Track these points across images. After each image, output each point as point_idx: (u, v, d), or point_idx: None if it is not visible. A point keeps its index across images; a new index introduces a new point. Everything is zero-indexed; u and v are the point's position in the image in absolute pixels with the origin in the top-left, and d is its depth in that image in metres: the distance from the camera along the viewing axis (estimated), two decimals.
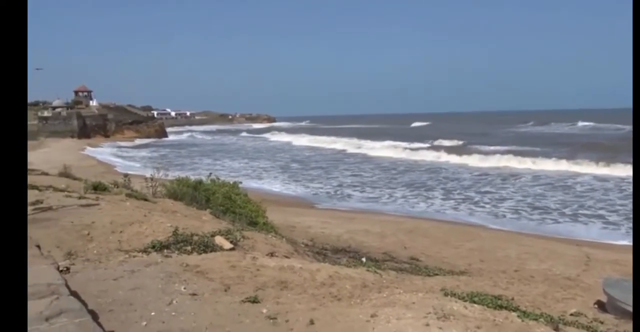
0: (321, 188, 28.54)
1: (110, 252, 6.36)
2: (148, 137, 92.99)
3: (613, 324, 5.20)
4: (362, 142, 65.99)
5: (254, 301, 4.42)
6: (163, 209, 9.95)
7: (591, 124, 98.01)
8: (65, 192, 10.12)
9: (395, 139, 67.34)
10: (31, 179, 13.91)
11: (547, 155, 40.06)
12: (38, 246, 3.86)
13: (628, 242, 15.03)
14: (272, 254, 7.14)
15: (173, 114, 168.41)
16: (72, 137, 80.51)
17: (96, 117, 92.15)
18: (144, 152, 60.79)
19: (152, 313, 3.98)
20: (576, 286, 9.43)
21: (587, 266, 11.84)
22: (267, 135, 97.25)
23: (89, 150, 60.75)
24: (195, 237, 7.03)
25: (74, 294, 2.95)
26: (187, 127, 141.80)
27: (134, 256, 6.06)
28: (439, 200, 24.03)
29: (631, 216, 17.14)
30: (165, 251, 6.41)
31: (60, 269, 4.28)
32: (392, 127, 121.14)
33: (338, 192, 26.90)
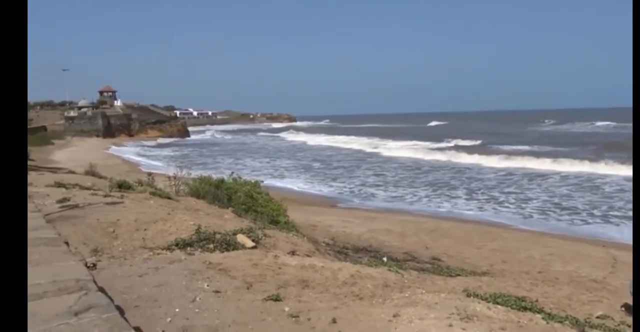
0: (344, 187, 28.53)
1: (134, 250, 6.46)
2: (171, 136, 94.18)
3: None
4: (382, 142, 65.73)
5: (276, 299, 4.45)
6: (186, 207, 10.08)
7: (612, 123, 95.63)
8: (91, 191, 10.33)
9: (415, 139, 66.91)
10: (58, 177, 14.26)
11: (573, 155, 39.29)
12: (66, 243, 3.93)
13: None
14: (293, 253, 7.17)
15: (195, 113, 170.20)
16: (97, 136, 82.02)
17: (120, 116, 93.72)
18: (166, 151, 61.61)
19: (177, 309, 4.03)
20: (602, 288, 9.24)
21: (613, 268, 11.59)
22: (285, 134, 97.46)
23: (114, 150, 61.85)
24: (218, 236, 7.10)
25: (101, 290, 3.02)
26: (209, 127, 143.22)
27: (158, 254, 6.16)
28: (462, 200, 23.79)
29: None
30: (189, 248, 6.49)
31: (87, 265, 4.37)
32: (410, 126, 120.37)
33: (361, 191, 26.87)
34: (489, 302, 4.66)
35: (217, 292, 4.56)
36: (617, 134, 68.02)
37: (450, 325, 3.72)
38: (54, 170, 20.12)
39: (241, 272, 5.31)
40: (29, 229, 4.32)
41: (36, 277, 2.97)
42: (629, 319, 5.38)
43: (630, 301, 5.89)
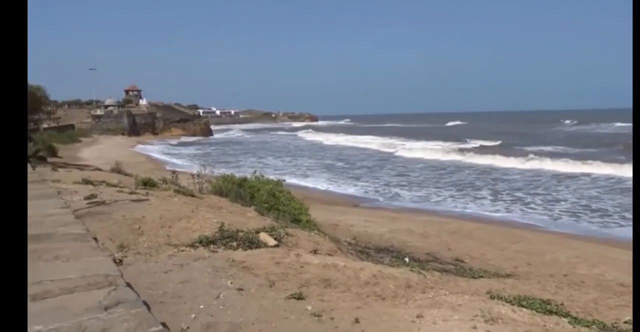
0: (368, 187, 28.42)
1: (159, 246, 6.56)
2: (194, 135, 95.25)
3: None
4: (401, 142, 65.23)
5: (299, 297, 4.47)
6: (209, 205, 10.19)
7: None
8: (118, 188, 10.53)
9: (435, 139, 66.25)
10: (85, 174, 14.57)
11: (601, 157, 38.36)
12: (95, 239, 4.04)
13: None
14: (315, 252, 7.19)
15: (218, 112, 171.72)
16: (123, 134, 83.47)
17: (145, 115, 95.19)
18: (190, 150, 62.33)
19: (201, 306, 4.09)
20: (630, 292, 9.02)
21: None
22: (302, 133, 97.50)
23: (139, 148, 62.86)
24: (241, 234, 7.17)
25: (129, 285, 3.08)
26: (232, 126, 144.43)
27: (182, 251, 6.24)
28: (487, 201, 23.45)
29: None
30: (212, 246, 6.57)
31: (115, 260, 4.46)
32: (429, 126, 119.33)
33: (384, 191, 26.74)
34: (513, 304, 4.59)
35: (241, 289, 4.60)
36: None
37: (475, 327, 3.69)
38: (81, 167, 20.58)
39: (264, 271, 5.35)
40: (59, 224, 4.44)
41: (67, 271, 3.06)
42: None
43: None
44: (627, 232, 16.74)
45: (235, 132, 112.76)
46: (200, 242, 6.65)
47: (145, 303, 2.89)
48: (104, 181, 11.56)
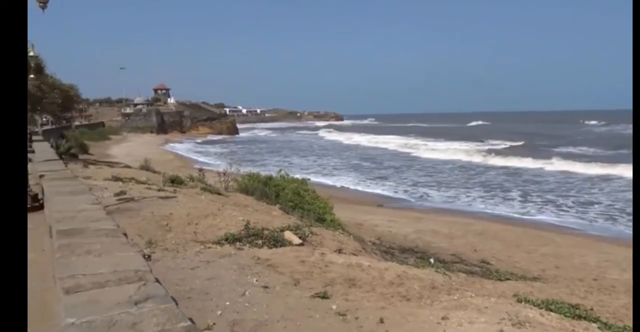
0: (396, 187, 28.27)
1: (186, 243, 6.67)
2: (220, 133, 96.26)
3: None
4: (425, 142, 64.54)
5: (324, 296, 4.48)
6: (235, 203, 10.30)
7: None
8: (146, 185, 10.73)
9: (460, 139, 65.33)
10: (115, 171, 14.88)
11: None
12: (125, 234, 4.12)
13: None
14: (339, 251, 7.20)
15: (244, 111, 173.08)
16: (152, 132, 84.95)
17: (173, 113, 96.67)
18: (216, 148, 63.04)
19: (227, 303, 4.14)
20: None
21: None
22: (327, 133, 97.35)
23: (167, 145, 63.91)
24: (266, 232, 7.23)
25: (157, 281, 3.14)
26: (257, 124, 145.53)
27: (209, 247, 6.33)
28: (516, 202, 23.06)
29: None
30: (238, 243, 6.65)
31: (144, 256, 4.55)
32: (451, 126, 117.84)
33: (412, 191, 26.57)
34: (541, 308, 4.52)
35: (266, 287, 4.64)
36: None
37: (502, 330, 3.64)
38: (111, 164, 21.04)
39: (289, 269, 5.38)
40: (91, 219, 4.55)
41: (98, 266, 3.13)
42: None
43: None
44: None
45: (261, 131, 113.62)
46: (226, 239, 6.74)
47: (173, 299, 2.95)
48: (133, 178, 11.78)
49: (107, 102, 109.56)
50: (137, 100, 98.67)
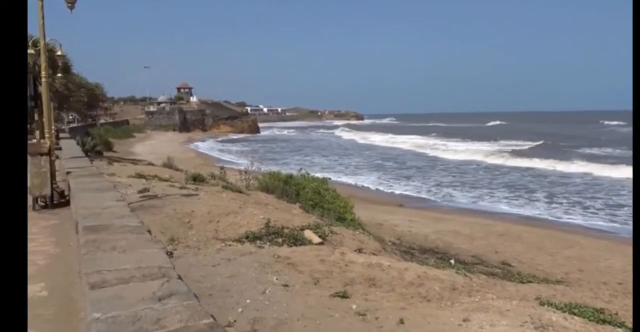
0: (417, 187, 28.08)
1: (208, 240, 6.74)
2: (241, 132, 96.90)
3: None
4: (444, 142, 63.85)
5: (343, 296, 4.49)
6: (256, 201, 10.36)
7: None
8: (169, 182, 10.88)
9: (483, 140, 64.46)
10: (139, 168, 15.13)
11: None
12: (149, 231, 4.19)
13: None
14: (359, 251, 7.20)
15: (265, 110, 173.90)
16: (174, 130, 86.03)
17: (195, 112, 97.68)
18: (237, 147, 63.49)
19: (247, 301, 4.18)
20: None
21: None
22: (342, 132, 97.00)
23: (189, 143, 64.62)
24: (286, 230, 7.27)
25: (179, 277, 3.19)
26: (277, 123, 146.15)
27: (230, 245, 6.40)
28: (540, 204, 22.63)
29: None
30: (258, 241, 6.70)
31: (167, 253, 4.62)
32: (470, 126, 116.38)
33: (431, 192, 26.38)
34: (564, 312, 4.44)
35: (286, 285, 4.67)
36: None
37: None
38: (135, 162, 21.39)
39: (308, 268, 5.40)
40: (116, 216, 4.64)
41: (123, 262, 3.20)
42: None
43: None
44: None
45: (281, 130, 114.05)
46: (247, 237, 6.80)
47: (195, 296, 2.99)
48: (156, 176, 11.96)
49: (132, 100, 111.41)
50: (161, 98, 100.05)
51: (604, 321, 4.37)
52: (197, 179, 11.92)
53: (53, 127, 10.94)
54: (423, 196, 25.34)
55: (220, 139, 79.92)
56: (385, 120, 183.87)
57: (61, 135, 25.99)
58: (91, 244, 3.66)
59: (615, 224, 18.55)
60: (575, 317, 4.30)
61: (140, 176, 11.60)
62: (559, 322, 3.95)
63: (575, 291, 6.95)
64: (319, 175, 15.69)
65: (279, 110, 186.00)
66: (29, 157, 8.35)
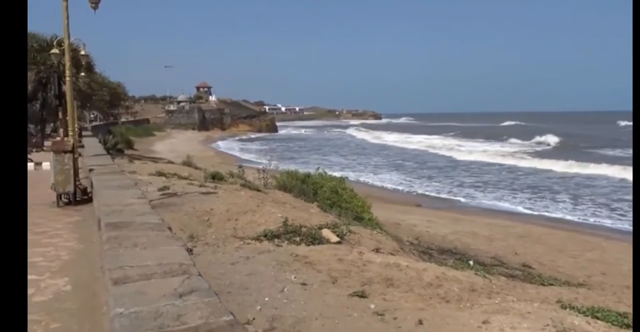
0: (435, 187, 27.84)
1: (226, 238, 6.80)
2: (259, 131, 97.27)
3: None
4: (460, 142, 63.14)
5: (362, 295, 4.48)
6: (274, 200, 10.40)
7: None
8: (188, 180, 10.99)
9: (502, 140, 63.60)
10: (159, 166, 15.31)
11: None
12: (169, 228, 4.24)
13: None
14: (377, 250, 7.18)
15: (283, 109, 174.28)
16: (193, 129, 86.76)
17: (214, 111, 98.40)
18: (255, 145, 63.80)
19: (266, 299, 4.20)
20: None
21: None
22: (360, 131, 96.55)
23: (207, 142, 65.15)
24: (304, 229, 7.29)
25: (199, 274, 3.22)
26: (294, 122, 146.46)
27: (248, 243, 6.44)
28: (563, 205, 22.21)
29: None
30: (276, 240, 6.73)
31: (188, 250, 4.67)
32: (485, 126, 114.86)
33: (450, 192, 26.12)
34: (586, 315, 4.37)
35: (304, 284, 4.68)
36: None
37: None
38: (155, 160, 21.66)
39: (326, 267, 5.41)
40: (137, 213, 4.71)
41: (144, 259, 3.24)
42: None
43: None
44: None
45: (298, 129, 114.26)
46: (265, 236, 6.83)
47: (214, 293, 3.02)
48: (175, 174, 12.09)
49: (152, 99, 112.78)
50: (180, 97, 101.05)
51: (627, 326, 4.28)
52: (215, 177, 12.01)
53: (76, 125, 11.12)
54: (442, 196, 25.13)
55: (238, 138, 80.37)
56: (402, 120, 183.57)
57: (84, 133, 26.46)
58: (113, 240, 3.72)
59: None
60: (598, 321, 4.22)
61: (160, 174, 11.74)
62: (581, 326, 3.88)
63: (598, 295, 6.84)
64: (336, 174, 15.70)
65: (297, 109, 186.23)
66: (52, 155, 8.52)
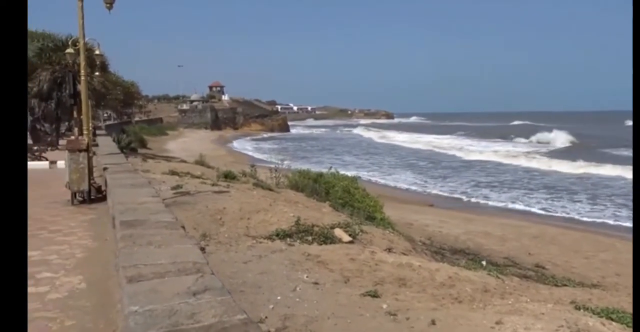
0: (447, 187, 27.68)
1: (239, 237, 6.83)
2: (272, 130, 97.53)
3: None
4: (473, 142, 62.58)
5: (374, 295, 4.48)
6: (286, 199, 10.42)
7: None
8: (201, 179, 11.05)
9: (514, 140, 62.90)
10: (172, 165, 15.41)
11: None
12: (183, 227, 4.27)
13: None
14: (389, 250, 7.16)
15: (295, 108, 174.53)
16: (206, 128, 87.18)
17: (227, 110, 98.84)
18: (268, 145, 64.00)
19: (278, 297, 4.21)
20: None
21: None
22: (363, 132, 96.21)
23: (220, 141, 65.45)
24: (316, 228, 7.29)
25: (213, 273, 3.24)
26: (308, 122, 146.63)
27: (260, 242, 6.46)
28: (578, 206, 21.94)
29: None
30: (288, 239, 6.74)
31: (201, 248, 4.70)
32: (495, 125, 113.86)
33: (462, 192, 25.96)
34: (601, 317, 4.32)
35: (316, 283, 4.69)
36: None
37: None
38: (168, 159, 21.82)
39: (339, 266, 5.41)
40: (151, 212, 4.75)
41: (158, 257, 3.27)
42: None
43: None
44: None
45: (309, 128, 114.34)
46: (277, 235, 6.85)
47: (228, 291, 3.03)
48: (188, 173, 12.16)
49: (165, 98, 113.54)
50: (193, 97, 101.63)
51: None
52: (228, 176, 12.06)
53: (90, 124, 11.25)
54: (454, 196, 24.99)
55: (250, 137, 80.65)
56: (412, 119, 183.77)
57: (98, 132, 26.76)
58: (128, 238, 3.75)
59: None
60: (613, 322, 4.18)
61: (173, 172, 11.82)
62: (596, 328, 3.84)
63: (613, 296, 6.76)
64: (348, 173, 15.70)
65: (309, 108, 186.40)
66: (67, 153, 8.63)
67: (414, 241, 10.30)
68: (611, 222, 18.83)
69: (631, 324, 4.27)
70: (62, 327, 3.33)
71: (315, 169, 16.69)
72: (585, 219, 19.40)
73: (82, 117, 10.10)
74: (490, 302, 4.72)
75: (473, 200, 23.81)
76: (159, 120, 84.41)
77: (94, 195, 8.67)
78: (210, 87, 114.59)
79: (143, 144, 39.30)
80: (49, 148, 19.40)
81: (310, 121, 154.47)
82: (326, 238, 6.91)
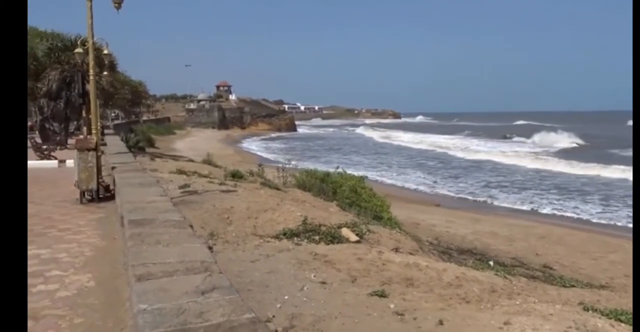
0: (453, 187, 27.58)
1: (246, 236, 6.85)
2: (279, 130, 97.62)
3: None
4: (480, 141, 62.28)
5: (381, 295, 4.48)
6: (293, 198, 10.43)
7: None
8: (208, 178, 11.09)
9: (519, 141, 62.48)
10: (179, 164, 15.48)
11: None
12: (191, 226, 4.30)
13: None
14: (396, 250, 7.16)
15: (302, 108, 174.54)
16: (213, 128, 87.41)
17: (234, 110, 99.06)
18: (275, 144, 64.06)
19: (286, 297, 4.22)
20: None
21: None
22: (365, 131, 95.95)
23: (227, 141, 65.62)
24: (323, 228, 7.30)
25: (221, 272, 3.25)
26: (315, 122, 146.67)
27: (268, 241, 6.48)
28: (585, 207, 21.76)
29: None
30: (296, 238, 6.75)
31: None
32: (498, 125, 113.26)
33: (468, 192, 25.86)
34: (610, 318, 4.30)
35: (324, 283, 4.70)
36: None
37: None
38: (175, 158, 21.92)
39: (346, 266, 5.41)
40: (159, 211, 4.77)
41: (167, 256, 3.29)
42: None
43: None
44: None
45: (318, 128, 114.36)
46: (285, 234, 6.87)
47: (236, 290, 3.04)
48: (196, 172, 12.21)
49: (173, 98, 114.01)
50: (201, 96, 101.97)
51: None
52: (235, 175, 12.10)
53: (99, 123, 11.32)
54: (461, 196, 24.90)
55: (258, 136, 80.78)
56: (418, 119, 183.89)
57: (106, 131, 26.91)
58: (136, 237, 3.77)
59: None
60: (622, 324, 4.15)
61: (181, 171, 11.87)
62: (605, 329, 3.82)
63: (621, 297, 6.71)
64: (356, 173, 15.70)
65: (316, 108, 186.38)
66: (76, 152, 8.68)
67: (421, 240, 10.28)
68: (619, 223, 18.66)
69: None
70: (71, 324, 3.36)
71: (323, 168, 16.70)
72: (595, 220, 19.23)
73: (90, 116, 10.16)
74: (497, 302, 4.71)
75: (480, 199, 23.73)
76: (166, 119, 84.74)
77: (103, 194, 8.72)
78: (218, 87, 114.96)
79: (151, 143, 39.45)
80: (58, 147, 19.52)
81: (318, 121, 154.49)
82: (333, 238, 6.92)
